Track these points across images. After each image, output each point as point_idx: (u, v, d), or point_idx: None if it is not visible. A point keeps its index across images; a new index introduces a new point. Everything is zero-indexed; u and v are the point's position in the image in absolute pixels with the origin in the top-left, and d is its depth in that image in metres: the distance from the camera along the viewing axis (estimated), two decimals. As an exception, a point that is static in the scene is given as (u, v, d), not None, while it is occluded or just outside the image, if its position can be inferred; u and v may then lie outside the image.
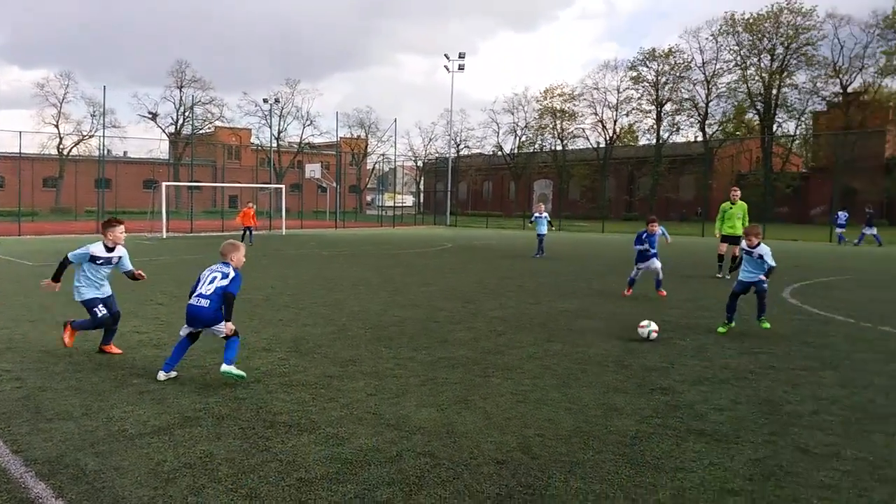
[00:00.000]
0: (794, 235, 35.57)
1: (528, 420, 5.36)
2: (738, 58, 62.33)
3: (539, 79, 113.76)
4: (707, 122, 65.39)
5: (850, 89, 57.68)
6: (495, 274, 16.41)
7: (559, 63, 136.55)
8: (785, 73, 60.34)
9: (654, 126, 68.42)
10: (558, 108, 72.96)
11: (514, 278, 15.25)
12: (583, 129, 73.88)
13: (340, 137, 68.32)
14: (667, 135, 67.93)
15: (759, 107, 62.55)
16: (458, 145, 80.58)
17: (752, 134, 63.51)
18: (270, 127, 73.42)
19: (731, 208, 15.90)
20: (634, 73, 67.81)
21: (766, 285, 8.92)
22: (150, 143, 77.29)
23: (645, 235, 12.30)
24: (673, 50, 65.83)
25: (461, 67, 54.93)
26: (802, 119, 63.04)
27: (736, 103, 64.02)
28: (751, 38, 61.12)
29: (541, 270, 17.33)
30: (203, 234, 35.88)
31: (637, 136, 73.69)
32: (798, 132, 64.27)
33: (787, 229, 40.24)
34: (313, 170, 52.03)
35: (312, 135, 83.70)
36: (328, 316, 10.08)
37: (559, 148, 73.49)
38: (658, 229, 12.48)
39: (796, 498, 3.97)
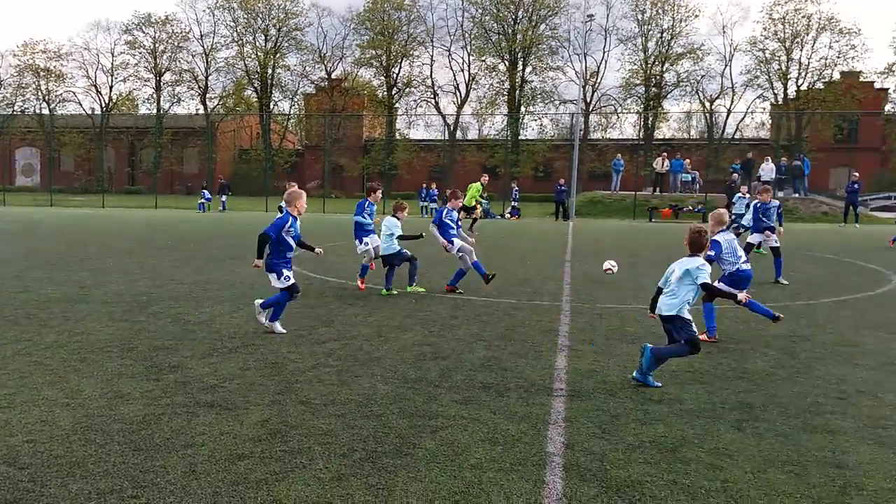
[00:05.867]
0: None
1: (13, 428, 4.62)
2: (235, 34, 63.76)
3: (14, 31, 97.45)
4: (208, 95, 65.41)
5: (333, 75, 64.39)
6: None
7: (38, 14, 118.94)
8: (278, 55, 63.98)
9: (154, 95, 65.40)
10: (42, 66, 63.77)
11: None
12: (73, 93, 66.22)
13: None
14: (168, 105, 65.68)
15: (256, 84, 65.14)
16: None
17: (252, 110, 65.91)
18: None
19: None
20: (130, 38, 63.50)
21: None
22: None
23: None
24: (170, 18, 63.68)
25: None
26: (295, 100, 68.04)
27: (235, 79, 65.52)
28: (246, 17, 63.00)
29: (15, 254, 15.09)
30: None
31: (137, 105, 69.35)
32: (292, 111, 69.16)
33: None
34: None
35: None
36: None
37: (46, 112, 64.44)
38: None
39: (300, 449, 4.32)
